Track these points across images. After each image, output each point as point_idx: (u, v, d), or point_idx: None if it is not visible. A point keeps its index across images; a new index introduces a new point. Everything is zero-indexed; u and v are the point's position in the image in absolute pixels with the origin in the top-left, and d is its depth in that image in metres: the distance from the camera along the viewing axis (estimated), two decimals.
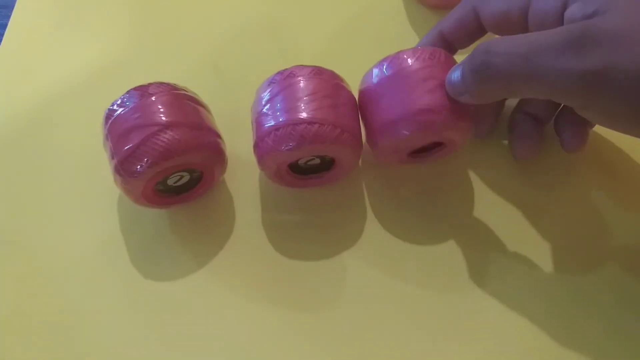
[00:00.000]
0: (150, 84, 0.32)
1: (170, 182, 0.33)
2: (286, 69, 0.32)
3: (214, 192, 0.36)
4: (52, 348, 0.32)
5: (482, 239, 0.34)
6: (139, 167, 0.30)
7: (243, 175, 0.37)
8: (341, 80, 0.33)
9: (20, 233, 0.36)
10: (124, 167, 0.30)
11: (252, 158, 0.33)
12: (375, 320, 0.33)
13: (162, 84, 0.33)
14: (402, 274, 0.34)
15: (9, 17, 0.44)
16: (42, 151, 0.39)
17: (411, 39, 0.41)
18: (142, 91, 0.32)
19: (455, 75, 0.29)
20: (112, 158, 0.31)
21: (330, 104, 0.31)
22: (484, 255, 0.34)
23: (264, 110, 0.32)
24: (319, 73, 0.32)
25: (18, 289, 0.34)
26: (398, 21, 0.43)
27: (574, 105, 0.28)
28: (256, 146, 0.32)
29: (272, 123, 0.31)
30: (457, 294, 0.33)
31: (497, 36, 0.31)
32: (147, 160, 0.30)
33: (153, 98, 0.31)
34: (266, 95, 0.32)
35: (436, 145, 0.34)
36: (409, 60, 0.31)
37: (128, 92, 0.32)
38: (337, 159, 0.33)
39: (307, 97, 0.31)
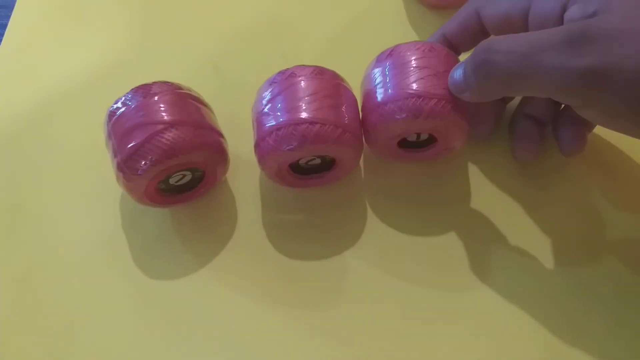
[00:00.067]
0: (153, 83, 0.32)
1: (172, 181, 0.33)
2: (287, 69, 0.32)
3: (216, 191, 0.36)
4: (54, 347, 0.32)
5: (482, 237, 0.34)
6: (142, 164, 0.30)
7: (244, 175, 0.37)
8: (342, 80, 0.33)
9: (21, 232, 0.36)
10: (127, 165, 0.30)
11: (253, 158, 0.33)
12: (377, 319, 0.33)
13: (165, 83, 0.33)
14: (402, 272, 0.34)
15: (9, 17, 0.44)
16: (43, 151, 0.39)
17: (411, 39, 0.41)
18: (146, 90, 0.32)
19: (457, 73, 0.30)
20: (115, 156, 0.31)
21: (331, 104, 0.31)
22: (485, 254, 0.34)
23: (265, 110, 0.32)
24: (320, 73, 0.32)
25: (19, 288, 0.34)
26: (398, 21, 0.43)
27: (574, 104, 0.28)
28: (257, 146, 0.32)
29: (273, 123, 0.31)
30: (458, 292, 0.33)
31: None
32: (150, 158, 0.30)
33: (157, 97, 0.31)
34: (267, 95, 0.32)
35: (430, 142, 0.34)
36: (409, 50, 0.32)
37: (131, 90, 0.32)
38: (338, 159, 0.33)
39: (308, 97, 0.31)
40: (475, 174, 0.36)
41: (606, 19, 0.26)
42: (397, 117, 0.31)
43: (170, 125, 0.31)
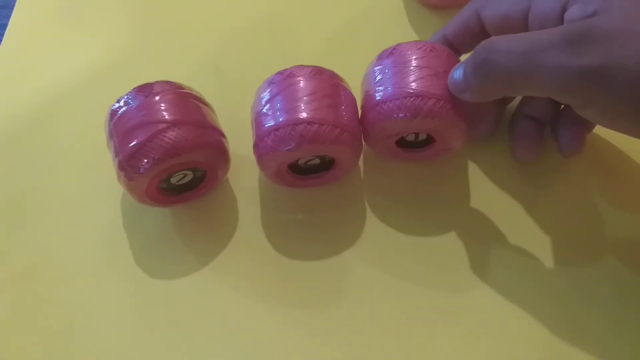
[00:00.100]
0: (155, 83, 0.33)
1: (173, 180, 0.33)
2: (286, 69, 0.32)
3: (217, 191, 0.36)
4: (54, 347, 0.32)
5: (482, 237, 0.34)
6: (144, 163, 0.30)
7: (244, 175, 0.37)
8: (341, 80, 0.33)
9: (22, 232, 0.36)
10: (129, 164, 0.31)
11: (253, 158, 0.33)
12: (376, 318, 0.33)
13: (167, 82, 0.33)
14: (402, 272, 0.34)
15: (9, 17, 0.44)
16: (43, 151, 0.39)
17: (411, 39, 0.41)
18: (147, 89, 0.32)
19: (457, 73, 0.30)
20: (117, 155, 0.31)
21: (329, 104, 0.31)
22: (485, 254, 0.34)
23: (264, 110, 0.32)
24: (318, 73, 0.32)
25: (20, 288, 0.34)
26: (398, 21, 0.43)
27: (574, 104, 0.28)
28: (256, 146, 0.32)
29: (272, 123, 0.31)
30: (458, 292, 0.33)
31: None
32: (153, 157, 0.30)
33: (159, 96, 0.32)
34: (266, 96, 0.32)
35: (429, 142, 0.34)
36: (410, 50, 0.32)
37: (133, 90, 0.32)
38: (336, 159, 0.33)
39: (306, 97, 0.31)
40: (475, 174, 0.36)
41: (606, 18, 0.26)
42: (395, 116, 0.31)
43: (172, 124, 0.31)
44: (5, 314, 0.33)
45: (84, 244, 0.35)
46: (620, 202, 0.35)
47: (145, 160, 0.30)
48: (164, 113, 0.31)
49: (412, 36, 0.42)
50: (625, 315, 0.32)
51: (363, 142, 0.34)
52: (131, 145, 0.30)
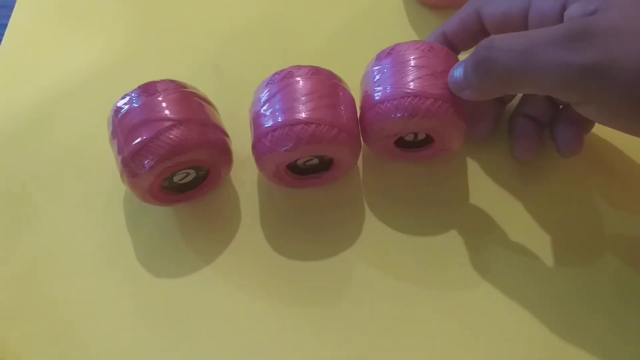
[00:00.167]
0: (159, 81, 0.33)
1: (176, 179, 0.33)
2: (284, 69, 0.32)
3: (218, 191, 0.36)
4: (57, 346, 0.32)
5: (482, 236, 0.34)
6: (148, 160, 0.30)
7: (245, 175, 0.37)
8: (339, 80, 0.33)
9: (23, 232, 0.36)
10: (134, 160, 0.31)
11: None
12: (376, 318, 0.33)
13: (171, 81, 0.33)
14: (401, 272, 0.34)
15: (9, 17, 0.44)
16: (44, 151, 0.39)
17: (411, 39, 0.41)
18: (152, 88, 0.32)
19: (457, 71, 0.30)
20: (121, 152, 0.31)
21: (327, 104, 0.31)
22: (484, 253, 0.34)
23: (262, 110, 0.32)
24: (316, 73, 0.32)
25: (22, 287, 0.34)
26: (398, 21, 0.43)
27: (574, 101, 0.28)
28: (254, 147, 0.32)
29: (270, 124, 0.31)
30: (457, 291, 0.33)
31: None
32: (157, 154, 0.30)
33: (163, 94, 0.32)
34: (264, 96, 0.32)
35: (428, 142, 0.34)
36: (408, 49, 0.32)
37: (137, 88, 0.32)
38: (335, 159, 0.33)
39: (304, 97, 0.31)
40: (474, 174, 0.36)
41: (606, 16, 0.26)
42: (394, 115, 0.31)
43: (176, 122, 0.31)
44: (6, 313, 0.34)
45: (85, 243, 0.35)
46: (619, 202, 0.35)
47: (150, 158, 0.30)
48: (168, 111, 0.31)
49: (411, 36, 0.42)
50: (625, 315, 0.32)
51: (362, 142, 0.34)
52: (135, 142, 0.31)
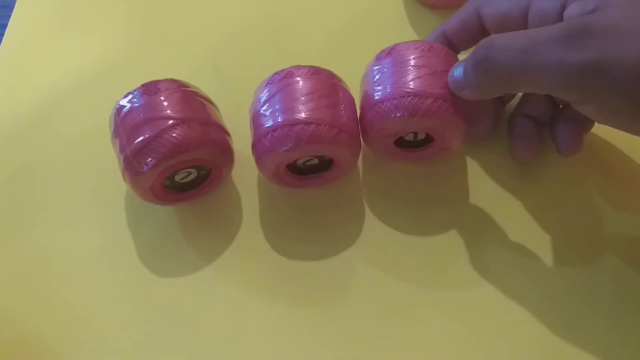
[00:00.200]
0: (161, 81, 0.33)
1: (177, 178, 0.33)
2: (284, 69, 0.32)
3: (219, 190, 0.36)
4: (58, 346, 0.32)
5: (481, 236, 0.34)
6: (151, 159, 0.30)
7: (245, 175, 0.37)
8: (339, 80, 0.33)
9: (24, 232, 0.36)
10: (136, 159, 0.31)
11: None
12: (376, 317, 0.33)
13: (173, 80, 0.33)
14: (401, 271, 0.34)
15: (9, 17, 0.44)
16: (44, 151, 0.39)
17: (411, 39, 0.41)
18: (154, 87, 0.32)
19: (457, 71, 0.30)
20: (122, 151, 0.31)
21: (327, 104, 0.31)
22: (484, 253, 0.34)
23: (262, 110, 0.32)
24: (316, 73, 0.32)
25: (23, 287, 0.34)
26: (398, 21, 0.43)
27: (574, 99, 0.28)
28: (254, 147, 0.32)
29: (270, 124, 0.31)
30: (457, 291, 0.33)
31: None
32: (160, 153, 0.30)
33: (165, 94, 0.32)
34: (264, 96, 0.32)
35: (427, 141, 0.34)
36: (408, 49, 0.32)
37: (139, 87, 0.32)
38: (335, 159, 0.33)
39: (304, 97, 0.31)
40: (473, 173, 0.36)
41: (605, 15, 0.26)
42: (393, 115, 0.31)
43: (180, 121, 0.31)
44: (7, 312, 0.33)
45: (86, 243, 0.35)
46: (619, 201, 0.35)
47: (152, 156, 0.30)
48: (171, 110, 0.31)
49: (411, 36, 0.42)
50: (625, 315, 0.32)
51: (362, 142, 0.34)
52: (138, 141, 0.31)
